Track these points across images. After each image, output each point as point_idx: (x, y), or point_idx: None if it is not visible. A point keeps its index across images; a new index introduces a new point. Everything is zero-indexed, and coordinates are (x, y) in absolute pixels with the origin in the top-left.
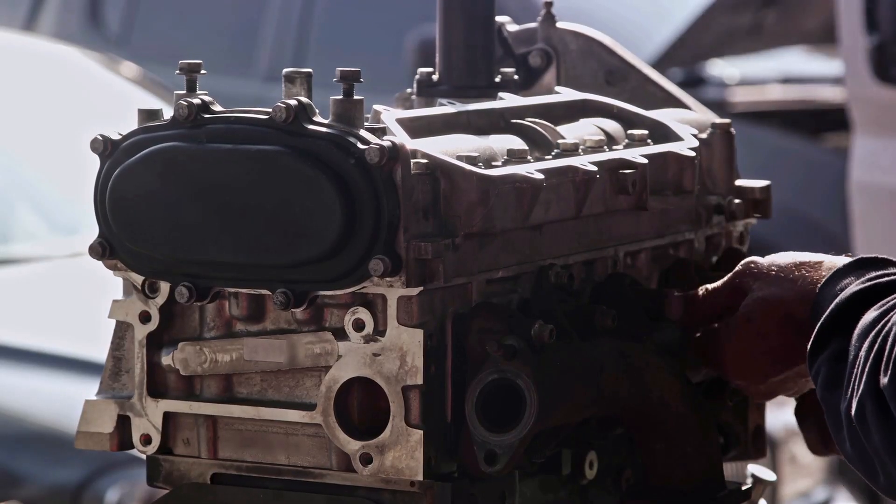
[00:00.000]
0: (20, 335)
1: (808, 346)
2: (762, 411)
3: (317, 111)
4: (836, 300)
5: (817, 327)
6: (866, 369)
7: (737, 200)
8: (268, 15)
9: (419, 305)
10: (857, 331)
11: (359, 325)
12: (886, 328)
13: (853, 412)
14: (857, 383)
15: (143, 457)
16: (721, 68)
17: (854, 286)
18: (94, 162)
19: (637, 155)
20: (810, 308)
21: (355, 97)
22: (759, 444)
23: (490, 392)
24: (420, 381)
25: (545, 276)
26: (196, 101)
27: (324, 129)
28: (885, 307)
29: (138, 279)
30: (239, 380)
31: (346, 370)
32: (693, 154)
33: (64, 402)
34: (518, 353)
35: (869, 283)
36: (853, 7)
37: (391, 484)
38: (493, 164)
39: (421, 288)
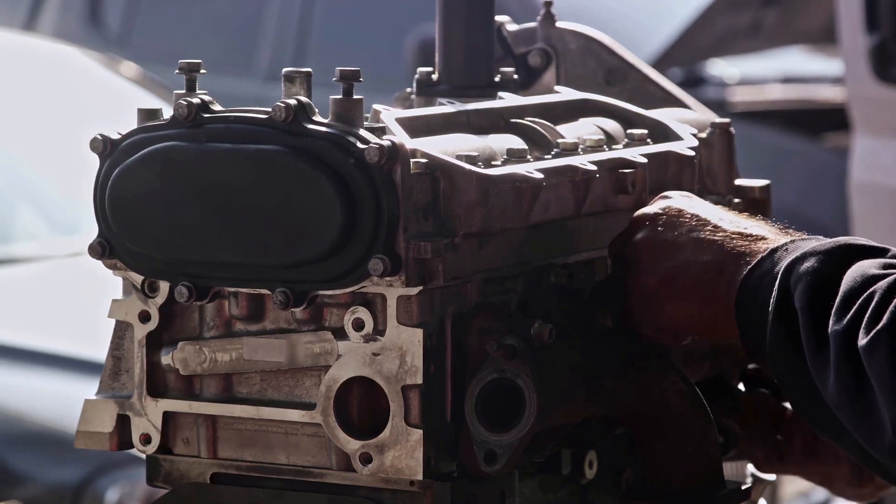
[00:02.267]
0: (20, 335)
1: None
2: None
3: (316, 111)
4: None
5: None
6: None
7: (736, 200)
8: (268, 14)
9: (419, 305)
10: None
11: (358, 325)
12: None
13: (865, 342)
14: (873, 315)
15: (143, 456)
16: (721, 68)
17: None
18: (93, 162)
19: (637, 154)
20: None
21: (355, 97)
22: None
23: (490, 392)
24: (420, 380)
25: (545, 275)
26: (196, 100)
27: (323, 129)
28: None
29: (138, 279)
30: (239, 379)
31: (345, 370)
32: (693, 153)
33: (64, 401)
34: (518, 352)
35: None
36: (853, 7)
37: (391, 483)
38: (493, 163)
39: (420, 287)
